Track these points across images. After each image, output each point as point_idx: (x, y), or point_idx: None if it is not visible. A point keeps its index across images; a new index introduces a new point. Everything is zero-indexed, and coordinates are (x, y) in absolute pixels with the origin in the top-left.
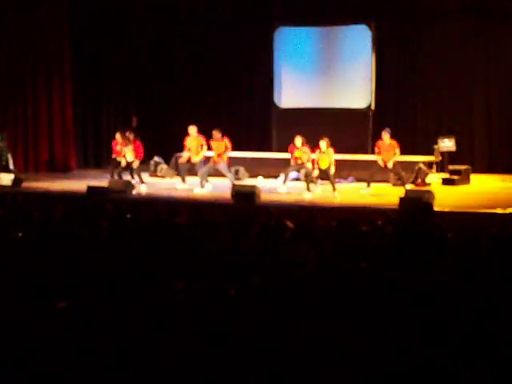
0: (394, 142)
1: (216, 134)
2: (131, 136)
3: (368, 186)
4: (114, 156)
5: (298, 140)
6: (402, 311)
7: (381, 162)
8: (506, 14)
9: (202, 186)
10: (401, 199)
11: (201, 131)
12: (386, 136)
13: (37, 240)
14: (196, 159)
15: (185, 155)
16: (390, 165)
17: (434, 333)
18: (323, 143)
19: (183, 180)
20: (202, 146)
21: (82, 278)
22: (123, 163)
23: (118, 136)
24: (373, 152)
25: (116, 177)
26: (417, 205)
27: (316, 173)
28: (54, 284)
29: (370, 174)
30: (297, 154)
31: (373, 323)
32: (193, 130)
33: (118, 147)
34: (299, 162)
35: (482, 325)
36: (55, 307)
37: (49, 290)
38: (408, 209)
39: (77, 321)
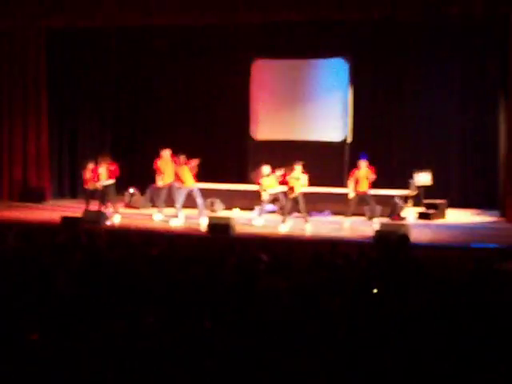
0: (370, 170)
1: (182, 158)
2: (107, 159)
3: (347, 218)
4: (86, 186)
5: (266, 169)
6: (376, 343)
7: (351, 191)
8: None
9: (178, 217)
10: (376, 232)
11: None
12: (362, 164)
13: (10, 270)
14: (163, 183)
15: (159, 182)
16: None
17: (404, 369)
18: (298, 169)
19: (160, 211)
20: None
21: (55, 309)
22: (99, 187)
23: (89, 164)
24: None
25: (92, 207)
26: (392, 238)
27: (289, 203)
28: (26, 315)
29: (350, 206)
30: (266, 181)
31: (346, 357)
32: (166, 153)
33: (88, 175)
34: (268, 189)
35: (455, 360)
36: (27, 338)
37: (21, 321)
38: (384, 242)
39: (48, 352)
